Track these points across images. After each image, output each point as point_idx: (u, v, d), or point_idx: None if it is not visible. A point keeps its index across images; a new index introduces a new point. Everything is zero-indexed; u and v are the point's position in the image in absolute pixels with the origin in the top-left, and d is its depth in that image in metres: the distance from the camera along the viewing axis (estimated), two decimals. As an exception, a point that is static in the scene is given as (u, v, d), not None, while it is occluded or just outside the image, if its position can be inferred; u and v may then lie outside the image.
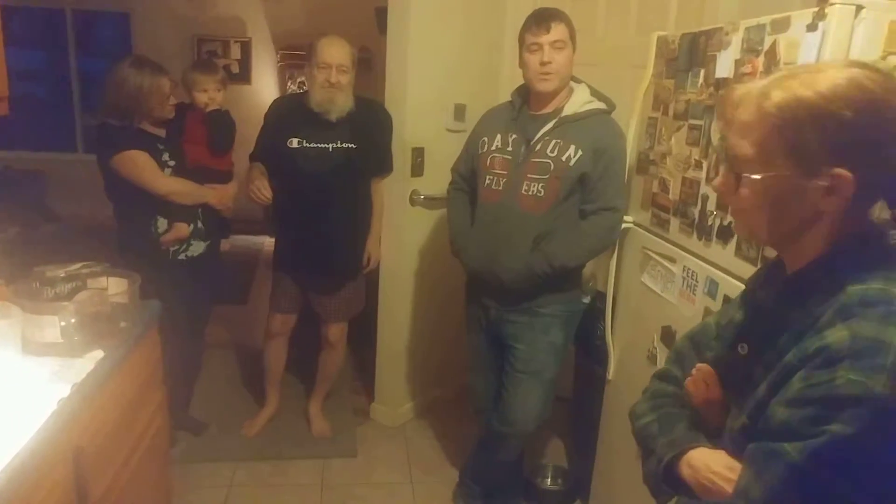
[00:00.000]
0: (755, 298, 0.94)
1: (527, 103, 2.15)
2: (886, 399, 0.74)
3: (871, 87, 0.80)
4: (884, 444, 0.75)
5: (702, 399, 1.04)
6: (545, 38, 2.00)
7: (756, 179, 0.87)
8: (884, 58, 1.28)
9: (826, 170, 0.82)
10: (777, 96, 0.84)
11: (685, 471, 0.98)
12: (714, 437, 1.01)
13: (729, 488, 0.90)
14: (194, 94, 2.61)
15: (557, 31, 2.01)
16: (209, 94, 2.61)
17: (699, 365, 1.07)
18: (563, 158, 2.02)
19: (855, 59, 0.97)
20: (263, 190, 2.57)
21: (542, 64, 2.01)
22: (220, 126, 2.62)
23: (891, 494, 0.78)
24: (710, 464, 0.95)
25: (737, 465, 0.89)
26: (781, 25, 1.45)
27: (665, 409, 1.09)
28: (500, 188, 2.12)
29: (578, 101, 2.08)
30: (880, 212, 0.90)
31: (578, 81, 2.14)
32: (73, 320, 1.45)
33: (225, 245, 2.85)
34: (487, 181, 2.16)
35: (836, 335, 0.79)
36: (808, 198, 0.85)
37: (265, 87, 6.56)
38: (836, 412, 0.76)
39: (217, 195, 2.62)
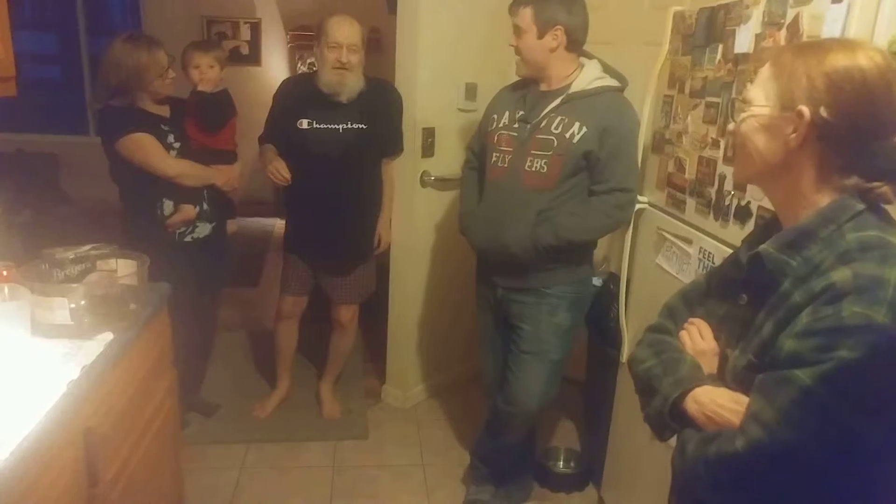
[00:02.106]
0: (761, 250, 1.01)
1: (535, 81, 2.12)
2: (887, 328, 0.83)
3: (868, 69, 0.91)
4: (886, 369, 0.84)
5: (695, 348, 1.13)
6: (512, 22, 2.02)
7: (747, 116, 1.02)
8: (911, 30, 1.24)
9: (796, 105, 0.94)
10: (788, 53, 0.99)
11: (691, 406, 1.05)
12: (714, 380, 1.08)
13: (736, 419, 0.96)
14: (188, 70, 2.55)
15: (516, 17, 2.01)
16: (201, 71, 2.54)
17: (692, 318, 1.17)
18: (567, 135, 1.99)
19: (865, 42, 1.07)
20: (283, 171, 2.56)
21: (510, 46, 2.02)
22: (206, 106, 2.55)
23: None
24: (716, 398, 1.02)
25: (742, 399, 0.97)
26: (804, -2, 1.41)
27: (667, 354, 1.16)
28: (506, 165, 2.10)
29: (587, 77, 2.04)
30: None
31: (590, 57, 2.10)
32: (82, 302, 1.45)
33: (232, 226, 2.82)
34: (494, 158, 2.14)
35: (841, 275, 0.88)
36: (781, 131, 0.97)
37: (275, 68, 6.51)
38: (842, 339, 0.85)
39: (223, 176, 2.59)
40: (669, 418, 1.08)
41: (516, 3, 2.03)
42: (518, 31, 2.02)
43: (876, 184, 0.94)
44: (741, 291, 1.08)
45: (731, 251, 1.65)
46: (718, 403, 1.01)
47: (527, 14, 1.99)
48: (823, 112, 0.92)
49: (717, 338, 1.13)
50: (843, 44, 0.97)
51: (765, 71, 1.01)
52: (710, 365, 1.11)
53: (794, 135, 0.95)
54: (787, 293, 0.95)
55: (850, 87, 0.91)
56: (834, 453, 0.88)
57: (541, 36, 2.00)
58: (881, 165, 0.94)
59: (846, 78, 0.91)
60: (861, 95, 0.91)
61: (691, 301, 1.22)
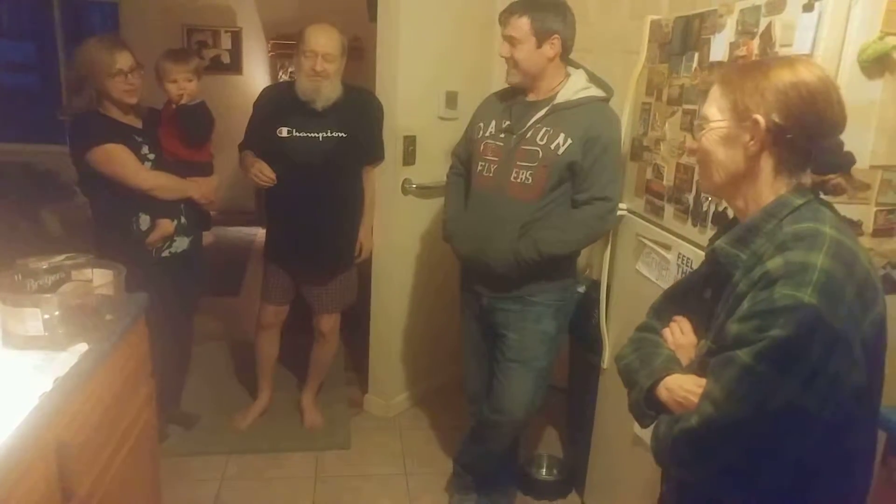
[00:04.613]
0: (716, 246, 1.11)
1: (522, 90, 2.12)
2: (813, 306, 0.92)
3: (809, 79, 1.02)
4: (817, 344, 0.92)
5: (675, 342, 1.23)
6: (503, 32, 2.00)
7: (707, 131, 1.11)
8: (881, 38, 1.26)
9: (750, 115, 1.04)
10: (734, 72, 1.11)
11: (663, 393, 1.14)
12: (685, 369, 1.17)
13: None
14: (165, 84, 2.47)
15: (513, 27, 1.99)
16: (179, 85, 2.45)
17: (676, 317, 1.26)
18: (552, 147, 2.00)
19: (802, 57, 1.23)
20: (266, 171, 2.53)
21: (502, 56, 2.01)
22: (191, 121, 2.49)
23: (836, 401, 0.95)
24: (683, 384, 1.11)
25: (704, 382, 1.05)
26: (777, 7, 1.43)
27: (644, 350, 1.26)
28: (491, 175, 2.10)
29: (573, 87, 2.04)
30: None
31: (577, 67, 2.10)
32: (56, 313, 1.42)
33: (208, 237, 2.78)
34: (480, 167, 2.14)
35: (775, 262, 0.98)
36: (739, 141, 1.06)
37: (256, 77, 6.49)
38: (774, 319, 0.94)
39: (200, 189, 2.54)
40: (646, 406, 1.18)
41: (509, 13, 2.00)
42: (513, 40, 1.99)
43: (830, 176, 1.05)
44: (706, 286, 1.19)
45: (708, 257, 1.67)
46: (685, 388, 1.10)
47: (523, 24, 1.97)
48: (776, 118, 1.02)
49: (696, 331, 1.21)
50: (783, 61, 1.07)
51: (715, 90, 1.11)
52: (687, 357, 1.19)
53: (752, 142, 1.05)
54: (736, 284, 1.05)
55: (796, 94, 1.01)
56: (776, 427, 0.96)
57: (540, 45, 1.99)
58: (832, 160, 1.04)
59: (791, 87, 1.01)
60: (807, 101, 1.01)
61: (674, 300, 1.31)
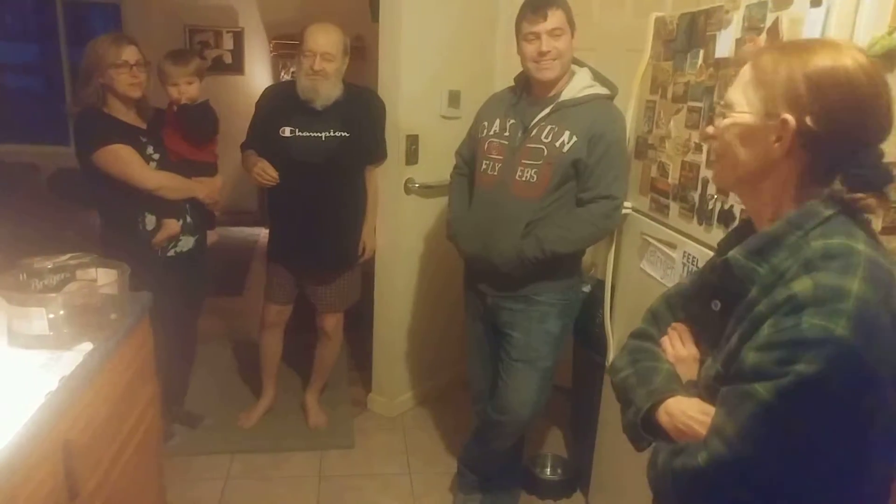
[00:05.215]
0: (729, 257, 0.98)
1: (528, 88, 2.12)
2: (846, 340, 0.81)
3: (854, 72, 0.88)
4: (847, 382, 0.82)
5: (675, 355, 1.11)
6: (542, 27, 1.96)
7: (728, 121, 0.98)
8: (890, 33, 1.25)
9: (780, 113, 0.91)
10: (769, 54, 0.96)
11: (663, 418, 1.04)
12: (688, 389, 1.06)
13: (703, 431, 0.94)
14: (167, 87, 2.49)
15: (555, 19, 1.96)
16: (179, 88, 2.47)
17: (674, 324, 1.15)
18: (557, 144, 1.99)
19: (850, 44, 1.01)
20: (269, 170, 2.53)
21: (541, 53, 1.97)
22: (193, 119, 2.50)
23: (865, 439, 0.85)
24: (686, 410, 1.01)
25: (711, 410, 0.95)
26: (784, 1, 1.42)
27: (643, 363, 1.14)
28: (496, 173, 2.10)
29: (577, 85, 2.04)
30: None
31: (581, 65, 2.10)
32: (61, 312, 1.42)
33: (212, 236, 2.78)
34: (484, 166, 2.14)
35: (802, 285, 0.86)
36: (763, 140, 0.94)
37: (258, 77, 6.49)
38: (801, 353, 0.82)
39: (205, 189, 2.55)
40: (643, 430, 1.07)
41: (546, 5, 1.96)
42: (556, 32, 1.96)
43: (860, 195, 0.92)
44: (714, 297, 1.06)
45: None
46: (688, 415, 1.00)
47: (560, 15, 1.97)
48: (809, 121, 0.89)
49: (697, 343, 1.11)
50: (827, 44, 0.93)
51: (746, 73, 0.98)
52: (689, 371, 1.09)
53: (777, 144, 0.93)
54: (753, 302, 0.93)
55: (836, 91, 0.88)
56: (796, 468, 0.86)
57: (572, 36, 2.00)
58: (867, 176, 0.91)
59: (831, 82, 0.88)
60: (847, 100, 0.88)
61: (675, 305, 1.20)
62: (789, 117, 0.90)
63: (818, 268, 0.87)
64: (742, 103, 0.96)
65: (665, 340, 1.15)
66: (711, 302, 1.06)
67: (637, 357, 1.17)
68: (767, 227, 0.97)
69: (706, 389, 1.00)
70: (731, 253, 0.99)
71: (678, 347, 1.12)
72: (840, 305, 0.82)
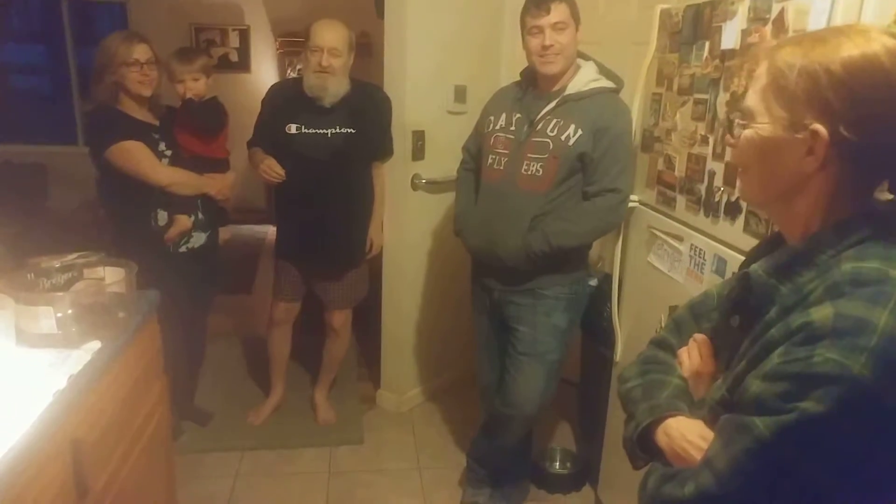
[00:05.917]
0: (751, 271, 0.89)
1: (533, 83, 2.11)
2: (863, 381, 0.70)
3: (885, 61, 0.77)
4: (857, 427, 0.72)
5: (692, 369, 1.01)
6: (545, 21, 1.96)
7: (749, 131, 0.87)
8: (896, 22, 1.23)
9: (809, 123, 0.80)
10: (786, 52, 0.83)
11: (661, 438, 0.96)
12: (698, 408, 0.98)
13: (700, 457, 0.87)
14: (174, 84, 2.52)
15: (558, 12, 1.96)
16: (186, 85, 2.50)
17: (695, 335, 1.04)
18: (563, 138, 1.99)
19: (876, 27, 0.88)
20: (275, 167, 2.55)
21: (545, 47, 1.97)
22: (199, 114, 2.52)
23: (868, 482, 0.75)
24: (686, 433, 0.93)
25: (711, 435, 0.87)
26: (789, -8, 1.40)
27: (651, 376, 1.06)
28: (502, 168, 2.09)
29: (583, 79, 2.03)
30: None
31: (587, 59, 2.09)
32: (69, 311, 1.43)
33: (225, 233, 2.80)
34: (490, 160, 2.13)
35: (821, 313, 0.76)
36: (792, 155, 0.83)
37: (265, 75, 6.49)
38: (809, 390, 0.73)
39: (216, 185, 2.57)
40: (638, 448, 1.00)
41: (549, 0, 1.97)
42: (559, 26, 1.96)
43: None
44: (735, 312, 0.96)
45: (721, 247, 1.65)
46: (687, 439, 0.92)
47: (564, 9, 1.97)
48: (843, 130, 0.78)
49: (716, 357, 1.01)
50: (850, 31, 0.81)
51: (762, 74, 0.86)
52: (703, 388, 0.99)
53: (810, 157, 0.81)
54: (770, 324, 0.83)
55: (870, 88, 0.77)
56: None
57: (577, 30, 2.00)
58: None
59: (863, 77, 0.77)
60: (884, 96, 0.77)
61: (699, 315, 1.09)
62: (819, 128, 0.79)
63: (844, 294, 0.76)
64: (762, 112, 0.85)
65: (682, 352, 1.04)
66: (731, 317, 0.96)
67: (648, 368, 1.09)
68: (796, 243, 0.87)
69: (710, 412, 0.91)
70: (754, 266, 0.89)
71: (695, 361, 1.01)
72: (861, 340, 0.72)
